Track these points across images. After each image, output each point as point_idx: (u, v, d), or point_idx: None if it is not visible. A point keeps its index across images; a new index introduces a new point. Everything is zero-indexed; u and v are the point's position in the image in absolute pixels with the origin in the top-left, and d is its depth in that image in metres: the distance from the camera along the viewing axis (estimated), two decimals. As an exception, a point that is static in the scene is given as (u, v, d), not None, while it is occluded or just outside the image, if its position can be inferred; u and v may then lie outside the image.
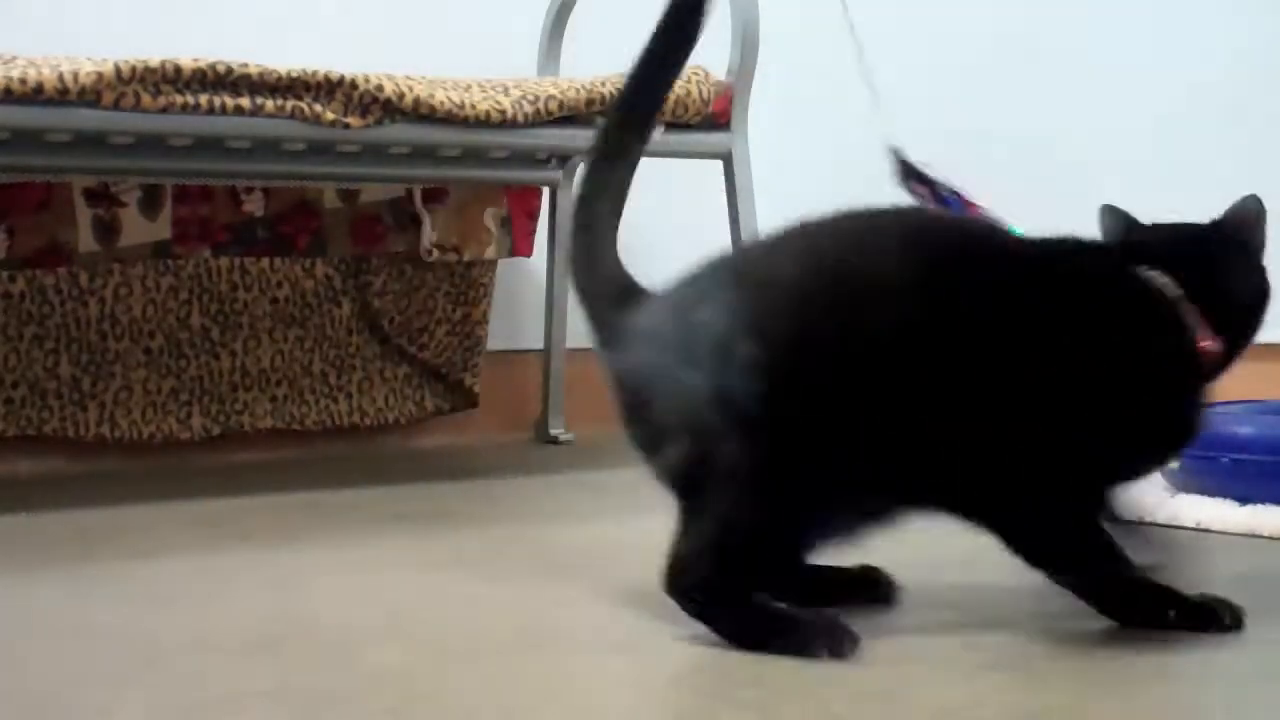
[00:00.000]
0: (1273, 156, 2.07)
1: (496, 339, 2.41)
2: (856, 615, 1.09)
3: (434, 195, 2.26)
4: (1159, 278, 1.09)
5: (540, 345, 2.44)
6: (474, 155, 2.10)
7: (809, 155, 2.74)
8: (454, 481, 1.95)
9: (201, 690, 0.90)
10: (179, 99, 1.71)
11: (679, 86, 2.03)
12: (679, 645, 1.01)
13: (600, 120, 1.98)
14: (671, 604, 1.14)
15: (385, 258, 2.29)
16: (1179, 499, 1.48)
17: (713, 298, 1.06)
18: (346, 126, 1.81)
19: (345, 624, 1.09)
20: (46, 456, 2.11)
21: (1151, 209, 1.19)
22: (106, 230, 2.06)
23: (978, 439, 1.02)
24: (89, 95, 1.66)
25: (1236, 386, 1.95)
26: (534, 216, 2.37)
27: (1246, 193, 1.16)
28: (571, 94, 1.95)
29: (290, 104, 1.78)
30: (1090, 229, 1.21)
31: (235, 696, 0.88)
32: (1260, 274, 1.14)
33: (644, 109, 1.26)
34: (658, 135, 2.05)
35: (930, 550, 1.37)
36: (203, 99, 1.73)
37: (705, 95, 2.06)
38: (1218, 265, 1.12)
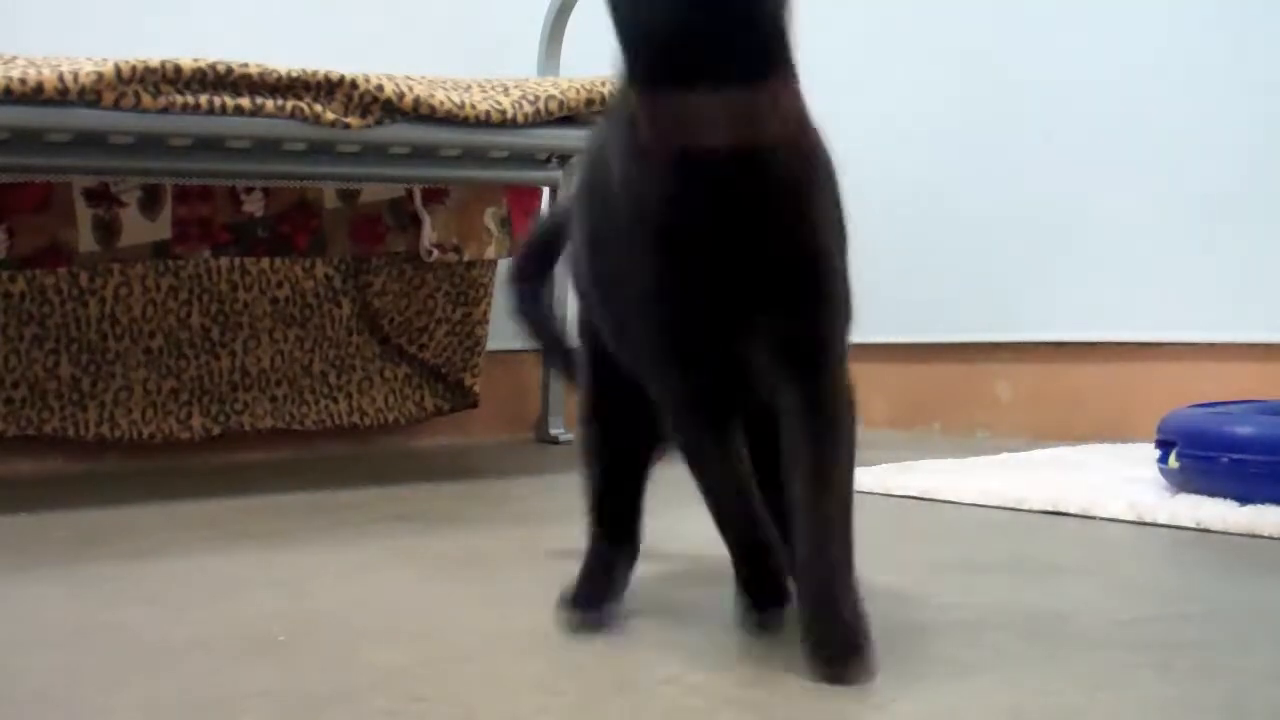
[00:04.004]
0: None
1: (496, 339, 2.41)
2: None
3: (434, 195, 2.27)
4: None
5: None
6: (474, 155, 2.10)
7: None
8: (454, 481, 1.95)
9: (201, 690, 0.90)
10: (179, 99, 1.71)
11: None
12: (679, 645, 1.01)
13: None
14: (671, 603, 1.14)
15: (385, 258, 2.29)
16: (1179, 499, 1.48)
17: None
18: (346, 126, 1.82)
19: (345, 624, 1.09)
20: (46, 456, 2.11)
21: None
22: (106, 230, 2.06)
23: None
24: (89, 95, 1.66)
25: (1237, 386, 1.96)
26: (534, 216, 2.37)
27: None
28: (571, 94, 1.96)
29: (290, 104, 1.78)
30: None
31: (235, 696, 0.88)
32: None
33: None
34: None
35: (929, 550, 1.37)
36: (203, 99, 1.73)
37: (705, 95, 2.06)
38: None
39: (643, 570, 1.32)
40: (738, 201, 0.84)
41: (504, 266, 2.41)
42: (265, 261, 2.21)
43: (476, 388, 2.38)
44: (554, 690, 0.89)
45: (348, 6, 2.36)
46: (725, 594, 1.22)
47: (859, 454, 0.97)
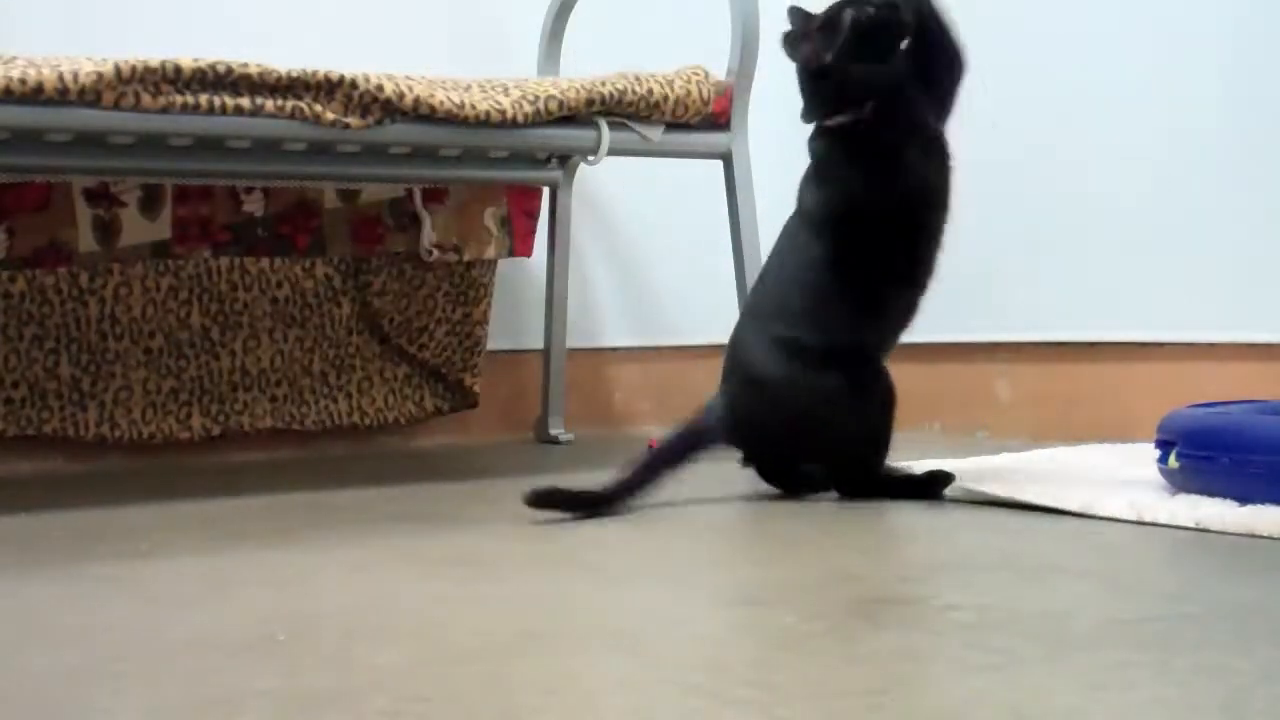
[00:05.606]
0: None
1: (496, 339, 2.41)
2: (853, 618, 1.09)
3: (434, 195, 2.27)
4: None
5: (540, 345, 2.44)
6: (474, 155, 2.10)
7: (808, 155, 2.73)
8: (454, 481, 1.95)
9: (201, 690, 0.90)
10: (179, 99, 1.71)
11: (679, 86, 2.04)
12: (679, 645, 1.01)
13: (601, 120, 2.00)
14: (671, 604, 1.14)
15: (385, 258, 2.29)
16: (1179, 499, 1.48)
17: None
18: (346, 126, 1.82)
19: (345, 624, 1.09)
20: (46, 456, 2.11)
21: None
22: (106, 230, 2.06)
23: None
24: (89, 95, 1.66)
25: (1236, 386, 1.96)
26: (534, 216, 2.37)
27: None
28: (571, 94, 1.95)
29: (290, 104, 1.78)
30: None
31: (235, 696, 0.88)
32: None
33: None
34: (657, 135, 2.06)
35: (929, 550, 1.37)
36: (203, 99, 1.73)
37: (705, 95, 2.06)
38: None
39: (642, 572, 1.32)
40: None
41: (504, 266, 2.42)
42: (265, 261, 2.21)
43: (476, 388, 2.38)
44: (554, 690, 0.89)
45: (348, 6, 2.36)
46: (724, 591, 1.22)
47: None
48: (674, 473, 1.63)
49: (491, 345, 2.40)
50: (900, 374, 1.74)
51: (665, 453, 1.65)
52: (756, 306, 1.73)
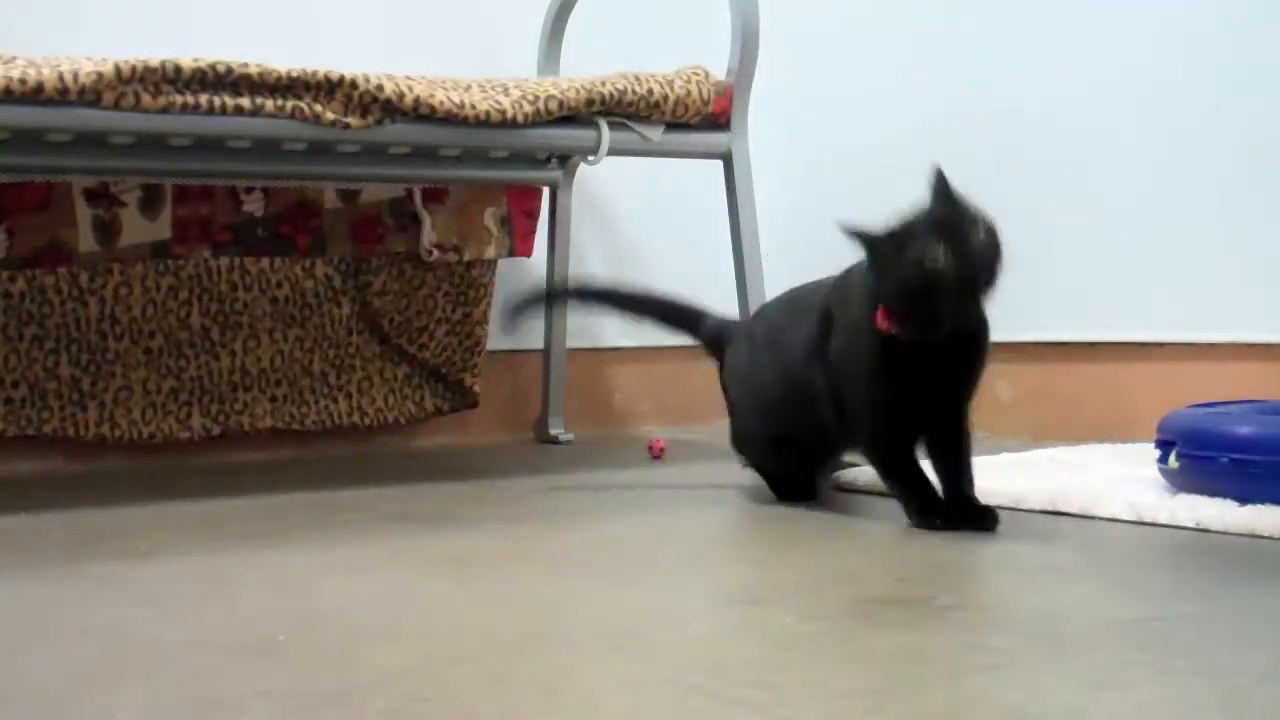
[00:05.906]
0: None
1: (496, 339, 2.41)
2: (853, 618, 1.09)
3: (434, 195, 2.26)
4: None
5: (540, 345, 2.44)
6: (474, 155, 2.10)
7: (809, 155, 2.74)
8: (454, 481, 1.95)
9: (201, 690, 0.90)
10: (179, 99, 1.71)
11: (679, 86, 2.04)
12: (679, 645, 1.01)
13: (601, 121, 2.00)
14: (671, 604, 1.14)
15: (385, 258, 2.29)
16: (1179, 499, 1.48)
17: None
18: (346, 126, 1.82)
19: (345, 624, 1.09)
20: (46, 456, 2.11)
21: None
22: (106, 230, 2.06)
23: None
24: (89, 95, 1.66)
25: (1237, 386, 1.96)
26: (534, 216, 2.37)
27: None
28: (571, 94, 1.95)
29: (290, 104, 1.78)
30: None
31: (235, 696, 0.88)
32: None
33: None
34: (657, 135, 2.06)
35: (929, 550, 1.37)
36: (203, 99, 1.73)
37: (705, 95, 2.06)
38: None
39: (642, 572, 1.32)
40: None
41: (504, 266, 2.41)
42: (265, 261, 2.21)
43: (476, 388, 2.38)
44: (554, 690, 0.89)
45: (348, 6, 2.36)
46: (724, 591, 1.22)
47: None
48: (654, 324, 1.85)
49: (491, 345, 2.40)
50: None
51: (662, 303, 1.83)
52: (771, 332, 1.68)
